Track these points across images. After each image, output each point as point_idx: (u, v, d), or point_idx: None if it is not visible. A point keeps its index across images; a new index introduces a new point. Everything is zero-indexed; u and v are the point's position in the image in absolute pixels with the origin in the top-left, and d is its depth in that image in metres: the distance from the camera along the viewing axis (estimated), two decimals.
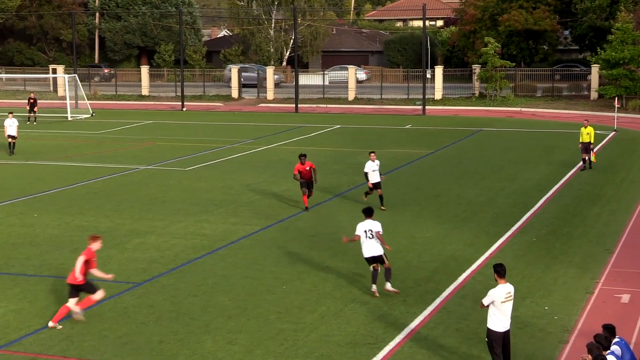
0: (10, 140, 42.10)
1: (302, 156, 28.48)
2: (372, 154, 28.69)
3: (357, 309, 18.88)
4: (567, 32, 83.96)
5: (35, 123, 58.08)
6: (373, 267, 19.62)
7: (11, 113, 42.82)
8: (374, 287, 19.62)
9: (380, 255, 19.42)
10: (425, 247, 24.13)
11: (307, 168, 28.27)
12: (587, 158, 35.95)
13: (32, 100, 59.25)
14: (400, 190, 32.66)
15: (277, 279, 21.24)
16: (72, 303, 17.96)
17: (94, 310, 18.90)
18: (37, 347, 17.00)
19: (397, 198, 30.93)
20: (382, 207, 28.02)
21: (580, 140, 36.13)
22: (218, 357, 16.40)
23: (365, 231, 19.48)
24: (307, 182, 28.46)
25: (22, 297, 19.95)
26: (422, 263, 22.44)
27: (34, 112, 58.88)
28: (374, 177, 28.35)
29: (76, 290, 18.04)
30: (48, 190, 33.44)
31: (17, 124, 42.37)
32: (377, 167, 28.49)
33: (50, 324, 17.73)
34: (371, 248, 19.43)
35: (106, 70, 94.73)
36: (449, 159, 40.35)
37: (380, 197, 28.60)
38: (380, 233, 19.49)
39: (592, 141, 35.96)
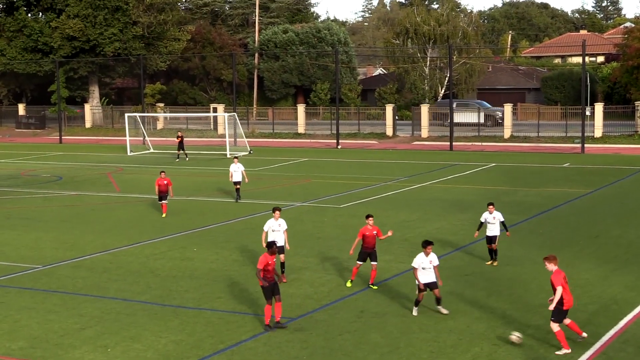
0: (236, 186, 39.99)
1: (273, 245, 21.05)
2: (490, 206, 26.37)
3: (511, 351, 18.47)
4: None
5: (187, 159, 59.78)
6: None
7: (236, 158, 41.30)
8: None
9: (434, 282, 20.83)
10: (584, 289, 23.44)
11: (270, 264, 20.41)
12: None
13: (179, 139, 61.16)
14: (558, 230, 31.97)
15: (430, 317, 21.06)
16: None
17: (249, 343, 19.23)
18: None
19: (555, 238, 30.29)
20: (495, 263, 26.24)
21: None
22: None
23: (430, 261, 20.76)
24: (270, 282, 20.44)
25: (181, 329, 20.44)
26: (581, 305, 21.79)
27: (183, 149, 60.73)
28: (493, 230, 26.19)
29: None
30: (207, 225, 34.30)
31: (243, 168, 40.11)
32: (495, 220, 26.11)
33: None
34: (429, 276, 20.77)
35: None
36: (609, 199, 39.23)
37: (494, 252, 26.40)
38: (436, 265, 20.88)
39: None
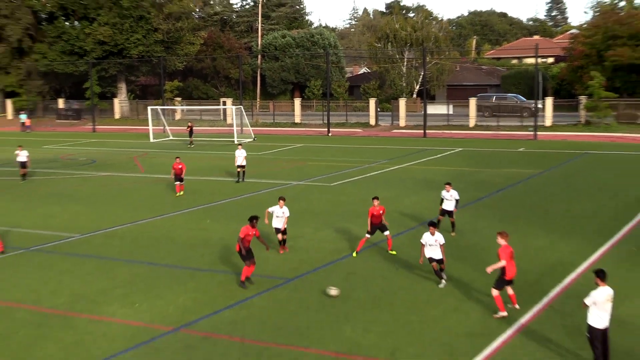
0: (239, 169, 39.81)
1: (254, 219, 21.30)
2: (447, 185, 26.47)
3: (474, 306, 18.76)
4: None
5: (192, 146, 59.73)
6: (432, 265, 20.53)
7: (240, 145, 41.25)
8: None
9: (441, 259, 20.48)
10: (535, 254, 23.72)
11: (251, 233, 21.06)
12: None
13: (189, 128, 61.14)
14: (513, 205, 32.20)
15: (407, 278, 21.31)
16: None
17: (254, 300, 19.47)
18: (209, 328, 17.62)
19: (511, 212, 30.51)
20: (452, 233, 26.12)
21: None
22: (356, 342, 16.62)
23: (437, 240, 20.31)
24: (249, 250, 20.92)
25: (197, 288, 20.67)
26: (533, 267, 22.09)
27: (191, 135, 60.82)
28: (448, 205, 26.27)
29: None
30: (218, 201, 34.46)
31: (245, 154, 40.11)
32: (451, 198, 26.16)
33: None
34: (433, 253, 20.37)
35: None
36: (557, 178, 39.45)
37: (452, 224, 26.49)
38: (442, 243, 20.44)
39: None
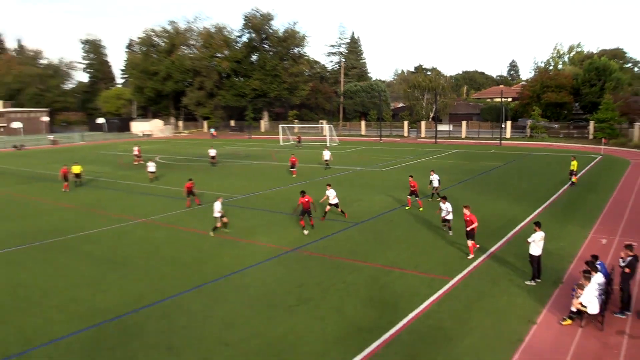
0: (325, 161, 39.10)
1: (302, 192, 20.22)
2: (432, 171, 25.29)
3: (462, 243, 18.33)
4: (577, 104, 76.08)
5: (300, 146, 59.53)
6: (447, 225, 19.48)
7: (327, 147, 39.96)
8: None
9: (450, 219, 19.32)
10: (500, 212, 23.00)
11: (306, 200, 19.86)
12: (572, 179, 29.52)
13: (298, 138, 61.58)
14: (487, 183, 31.22)
15: (423, 225, 20.99)
16: None
17: (336, 235, 19.47)
18: (311, 250, 17.77)
19: (486, 187, 29.62)
20: (439, 199, 24.16)
21: (569, 169, 30.45)
22: (394, 260, 16.60)
23: (446, 208, 19.17)
24: (306, 210, 19.85)
25: (284, 227, 20.62)
26: (498, 220, 21.47)
27: (299, 142, 61.07)
28: (434, 183, 24.96)
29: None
30: (314, 179, 34.53)
31: (330, 152, 38.29)
32: (435, 179, 24.45)
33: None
34: (448, 215, 19.27)
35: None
36: (513, 168, 38.06)
37: (438, 194, 25.08)
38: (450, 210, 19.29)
39: (575, 169, 29.78)
